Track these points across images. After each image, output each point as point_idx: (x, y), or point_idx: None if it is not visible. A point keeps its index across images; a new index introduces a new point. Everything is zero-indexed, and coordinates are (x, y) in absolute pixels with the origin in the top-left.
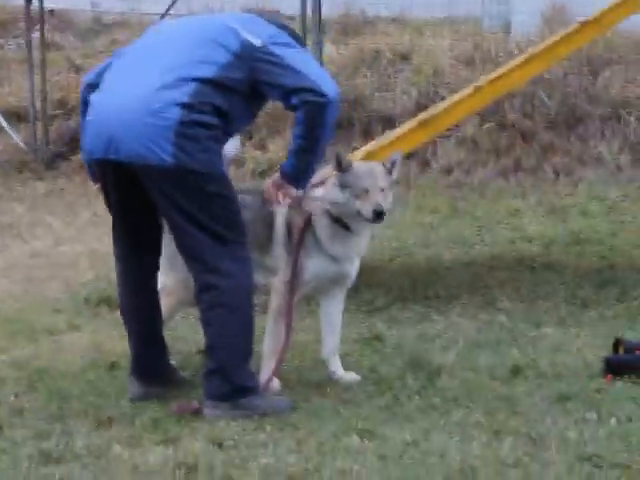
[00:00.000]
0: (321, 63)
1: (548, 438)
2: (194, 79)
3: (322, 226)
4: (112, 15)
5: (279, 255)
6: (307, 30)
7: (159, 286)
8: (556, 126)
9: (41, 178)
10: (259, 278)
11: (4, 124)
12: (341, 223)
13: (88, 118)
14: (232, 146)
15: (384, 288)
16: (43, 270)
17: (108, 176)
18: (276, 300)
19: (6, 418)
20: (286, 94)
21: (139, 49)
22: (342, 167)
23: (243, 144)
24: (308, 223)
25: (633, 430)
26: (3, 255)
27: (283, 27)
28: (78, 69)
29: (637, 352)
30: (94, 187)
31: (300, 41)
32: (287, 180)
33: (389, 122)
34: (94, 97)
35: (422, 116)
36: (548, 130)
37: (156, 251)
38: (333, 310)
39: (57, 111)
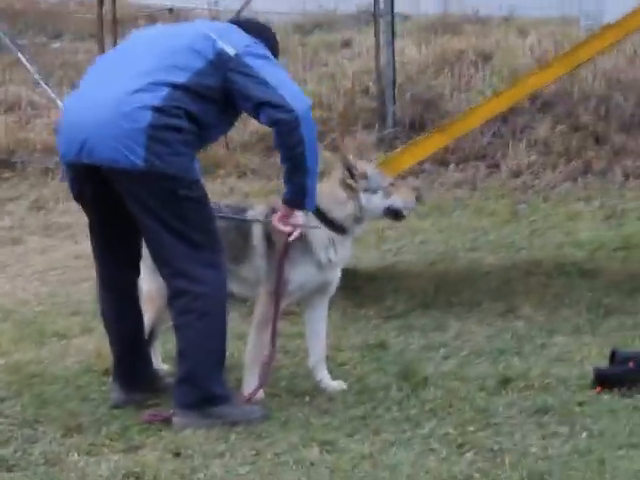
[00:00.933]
0: (393, 62)
1: (508, 453)
2: (167, 84)
3: (315, 233)
4: (229, 13)
5: (258, 266)
6: (379, 30)
7: (143, 292)
8: (630, 128)
9: None
10: (234, 288)
11: None
12: (338, 228)
13: (61, 121)
14: None
15: (408, 294)
16: (80, 272)
17: (82, 179)
18: (260, 310)
19: None
20: (255, 107)
21: (114, 55)
22: (359, 175)
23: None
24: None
25: (599, 446)
26: (48, 256)
27: (261, 36)
28: None
29: (630, 364)
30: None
31: (276, 50)
32: (291, 207)
33: None
34: (67, 101)
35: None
36: (621, 132)
37: (135, 256)
38: (317, 318)
39: None
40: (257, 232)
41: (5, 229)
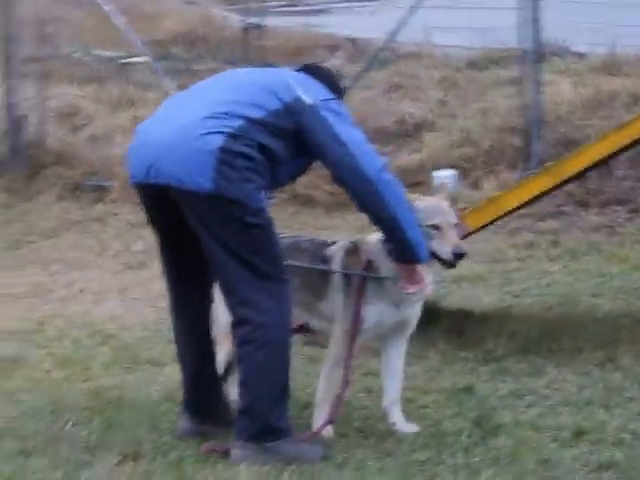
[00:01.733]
0: (539, 101)
1: None
2: (241, 116)
3: (388, 268)
4: (408, 46)
5: (335, 301)
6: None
7: (221, 324)
8: None
9: None
10: (314, 323)
11: None
12: None
13: (132, 144)
14: (450, 179)
15: (510, 337)
16: None
17: (151, 202)
18: (334, 348)
19: (40, 446)
20: (327, 164)
21: (196, 87)
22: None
23: (459, 180)
24: (370, 268)
25: None
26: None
27: (331, 84)
28: None
29: None
30: None
31: (342, 93)
32: (405, 264)
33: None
34: (140, 125)
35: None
36: None
37: (206, 284)
38: (393, 357)
39: None
40: (336, 267)
41: (135, 253)
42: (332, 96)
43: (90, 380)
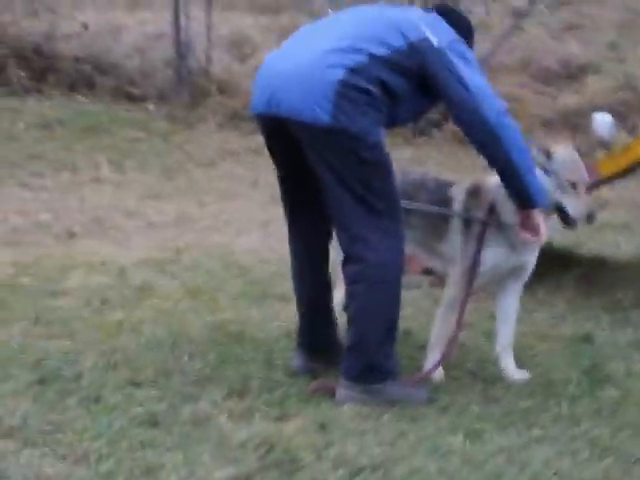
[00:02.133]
0: None
1: None
2: (365, 52)
3: (508, 211)
4: None
5: (455, 242)
6: None
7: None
8: None
9: (411, 144)
10: (435, 265)
11: None
12: None
13: (257, 76)
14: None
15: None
16: None
17: (271, 133)
18: (451, 289)
19: (151, 377)
20: (450, 106)
21: (322, 22)
22: (543, 150)
23: (618, 128)
24: (491, 212)
25: None
26: None
27: (462, 29)
28: None
29: None
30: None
31: (472, 45)
32: (522, 209)
33: None
34: (266, 58)
35: None
36: None
37: (325, 219)
38: (508, 303)
39: None
40: (457, 207)
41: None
42: (460, 39)
43: (215, 312)
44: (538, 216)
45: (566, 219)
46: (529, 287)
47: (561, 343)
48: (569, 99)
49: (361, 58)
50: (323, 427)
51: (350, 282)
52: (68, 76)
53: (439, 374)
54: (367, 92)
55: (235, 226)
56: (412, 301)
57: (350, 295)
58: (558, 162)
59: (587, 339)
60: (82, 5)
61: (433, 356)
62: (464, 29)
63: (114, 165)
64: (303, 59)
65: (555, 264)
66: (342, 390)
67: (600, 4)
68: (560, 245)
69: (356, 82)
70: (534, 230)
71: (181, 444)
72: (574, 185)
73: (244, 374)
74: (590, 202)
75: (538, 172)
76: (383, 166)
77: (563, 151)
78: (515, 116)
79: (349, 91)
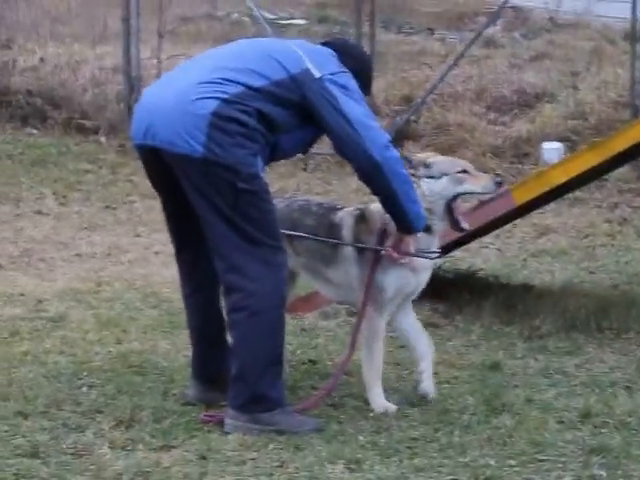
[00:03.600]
0: None
1: None
2: (239, 83)
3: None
4: (569, 15)
5: (349, 272)
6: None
7: None
8: None
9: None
10: (321, 289)
11: None
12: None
13: (136, 108)
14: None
15: (560, 314)
16: None
17: (149, 164)
18: (366, 324)
19: (42, 408)
20: (332, 138)
21: (202, 54)
22: (420, 165)
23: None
24: (383, 236)
25: None
26: None
27: (355, 65)
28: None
29: None
30: None
31: (368, 82)
32: (402, 232)
33: None
34: (145, 91)
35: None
36: None
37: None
38: (411, 321)
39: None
40: (346, 234)
41: None
42: (343, 70)
43: (123, 343)
44: (411, 242)
45: (456, 225)
46: (447, 315)
47: (468, 371)
48: (522, 127)
49: (235, 89)
50: (203, 457)
51: (230, 311)
52: (20, 109)
53: (392, 407)
54: (242, 123)
55: (162, 258)
56: (326, 330)
57: (230, 325)
58: (439, 164)
59: (495, 367)
60: (44, 39)
61: (376, 394)
62: (358, 62)
63: (59, 197)
64: (177, 90)
65: (476, 291)
66: (229, 420)
67: (576, 32)
68: (487, 272)
69: (229, 113)
70: (402, 253)
71: (58, 475)
72: (465, 171)
73: (136, 404)
74: (488, 176)
75: (429, 183)
76: (260, 196)
77: (434, 156)
78: (464, 145)
79: (223, 122)
